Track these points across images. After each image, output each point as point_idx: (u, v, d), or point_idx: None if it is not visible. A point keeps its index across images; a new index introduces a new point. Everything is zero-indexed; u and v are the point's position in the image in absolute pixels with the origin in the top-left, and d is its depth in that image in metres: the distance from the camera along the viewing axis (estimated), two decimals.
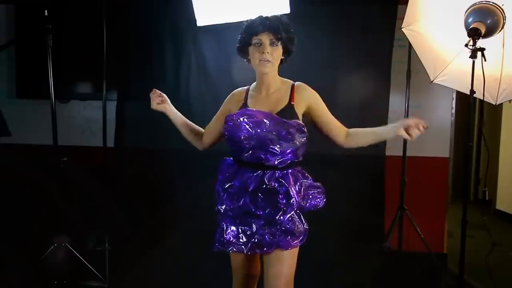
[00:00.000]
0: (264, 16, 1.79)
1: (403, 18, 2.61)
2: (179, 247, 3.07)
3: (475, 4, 2.25)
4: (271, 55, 1.76)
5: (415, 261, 3.20)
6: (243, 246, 1.77)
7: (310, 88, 1.85)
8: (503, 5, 2.23)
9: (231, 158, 1.87)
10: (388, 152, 3.32)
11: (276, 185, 1.74)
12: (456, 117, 3.45)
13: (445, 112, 3.45)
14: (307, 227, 1.79)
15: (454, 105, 3.43)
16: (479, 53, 2.13)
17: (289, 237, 1.73)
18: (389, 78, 3.28)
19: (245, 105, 1.84)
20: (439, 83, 2.65)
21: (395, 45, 3.25)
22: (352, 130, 1.86)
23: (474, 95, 2.30)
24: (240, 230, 1.78)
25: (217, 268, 2.30)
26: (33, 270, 2.77)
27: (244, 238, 1.77)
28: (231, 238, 1.78)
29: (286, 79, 1.88)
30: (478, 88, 2.25)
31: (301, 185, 1.79)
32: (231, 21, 2.74)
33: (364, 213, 3.17)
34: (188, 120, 2.03)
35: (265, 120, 1.72)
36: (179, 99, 3.38)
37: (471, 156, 4.97)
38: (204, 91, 3.35)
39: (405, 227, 3.22)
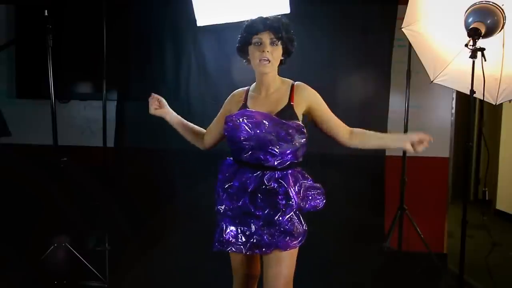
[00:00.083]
0: (264, 16, 1.79)
1: (403, 18, 2.61)
2: (179, 247, 3.07)
3: (475, 4, 2.25)
4: (271, 54, 1.76)
5: (415, 261, 3.20)
6: (242, 246, 1.77)
7: (309, 88, 1.84)
8: (503, 5, 2.22)
9: (231, 158, 1.87)
10: (388, 152, 3.32)
11: (276, 185, 1.73)
12: (456, 117, 3.45)
13: (445, 112, 3.45)
14: (306, 228, 1.79)
15: (454, 105, 3.43)
16: (479, 53, 2.13)
17: (288, 237, 1.73)
18: (389, 78, 3.28)
19: (245, 105, 1.84)
20: (439, 83, 2.65)
21: (395, 45, 3.25)
22: (357, 129, 1.85)
23: (474, 95, 2.30)
24: (239, 230, 1.79)
25: (217, 268, 2.30)
26: (33, 270, 2.77)
27: (243, 238, 1.77)
28: (230, 238, 1.79)
29: (286, 79, 1.88)
30: (478, 88, 2.24)
31: (300, 186, 1.79)
32: (231, 21, 2.74)
33: (364, 213, 3.17)
34: (186, 122, 2.04)
35: (264, 121, 1.72)
36: (179, 99, 3.39)
37: (471, 156, 4.97)
38: (204, 91, 3.35)
39: (405, 227, 3.22)
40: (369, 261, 3.03)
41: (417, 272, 3.12)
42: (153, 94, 2.00)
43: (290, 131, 1.71)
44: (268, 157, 1.73)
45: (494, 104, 2.54)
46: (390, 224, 3.21)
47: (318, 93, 1.85)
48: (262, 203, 1.75)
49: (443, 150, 3.46)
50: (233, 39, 1.88)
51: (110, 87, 3.16)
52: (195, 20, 2.89)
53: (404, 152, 3.19)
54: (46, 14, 2.69)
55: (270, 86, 1.83)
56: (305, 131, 1.75)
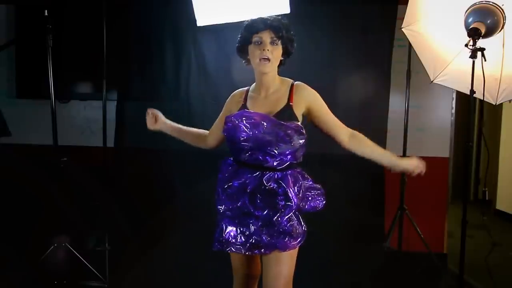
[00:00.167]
0: (264, 16, 1.79)
1: (403, 18, 2.60)
2: (179, 247, 3.07)
3: (475, 4, 2.25)
4: (271, 53, 1.75)
5: (415, 261, 3.20)
6: (241, 247, 1.77)
7: (309, 88, 1.84)
8: (503, 5, 2.22)
9: (232, 158, 1.87)
10: None
11: (275, 186, 1.73)
12: (456, 117, 3.45)
13: (445, 112, 3.45)
14: (305, 229, 1.79)
15: (454, 105, 3.43)
16: (479, 53, 2.13)
17: (287, 238, 1.73)
18: (389, 78, 3.28)
19: (244, 106, 1.84)
20: (439, 83, 2.65)
21: (395, 45, 3.25)
22: (359, 134, 1.85)
23: (474, 95, 2.30)
24: (238, 231, 1.78)
25: (218, 268, 2.30)
26: (33, 270, 2.77)
27: (242, 239, 1.77)
28: (230, 238, 1.78)
29: (285, 79, 1.88)
30: (478, 88, 2.24)
31: (300, 187, 1.78)
32: (231, 21, 2.74)
33: (364, 213, 3.17)
34: (183, 127, 2.04)
35: (263, 122, 1.71)
36: (179, 99, 3.39)
37: (471, 156, 4.97)
38: (204, 91, 3.34)
39: (405, 227, 3.22)
40: (369, 261, 3.03)
41: (417, 272, 3.12)
42: (148, 110, 2.03)
43: (289, 132, 1.70)
44: (267, 157, 1.73)
45: (494, 104, 2.53)
46: (390, 224, 3.21)
47: (318, 93, 1.84)
48: (262, 204, 1.74)
49: (443, 150, 3.46)
50: (233, 39, 1.88)
51: (110, 87, 3.16)
52: (195, 20, 2.89)
53: (404, 152, 3.19)
54: (46, 14, 2.69)
55: (269, 87, 1.83)
56: (304, 132, 1.74)
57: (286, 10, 2.68)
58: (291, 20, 1.83)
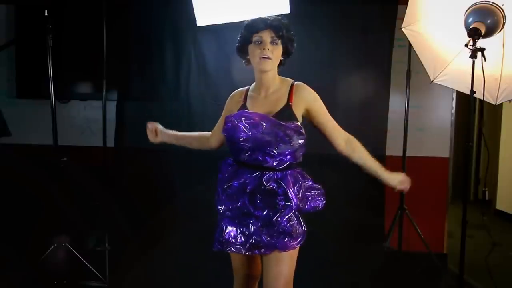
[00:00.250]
0: (264, 16, 1.79)
1: (403, 18, 2.60)
2: (179, 247, 3.07)
3: (475, 4, 2.25)
4: (272, 52, 1.75)
5: (415, 261, 3.20)
6: (241, 247, 1.77)
7: (309, 88, 1.83)
8: (503, 5, 2.22)
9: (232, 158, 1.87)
10: (388, 152, 3.32)
11: (275, 186, 1.73)
12: (456, 117, 3.45)
13: (445, 112, 3.45)
14: (305, 229, 1.79)
15: (454, 105, 3.43)
16: (479, 53, 2.13)
17: (287, 238, 1.73)
18: (389, 78, 3.28)
19: (244, 106, 1.84)
20: (439, 83, 2.65)
21: (395, 45, 3.25)
22: (354, 141, 1.84)
23: (474, 95, 2.30)
24: (238, 231, 1.78)
25: (218, 268, 2.30)
26: (33, 270, 2.77)
27: (242, 239, 1.77)
28: (230, 239, 1.78)
29: (286, 78, 1.87)
30: (478, 88, 2.24)
31: (300, 187, 1.78)
32: (231, 21, 2.74)
33: (364, 213, 3.17)
34: (186, 133, 2.05)
35: (262, 122, 1.71)
36: (179, 99, 3.39)
37: (471, 156, 4.97)
38: (204, 91, 3.35)
39: (405, 227, 3.23)
40: (369, 261, 3.03)
41: (417, 272, 3.12)
42: (148, 124, 2.04)
43: (288, 132, 1.70)
44: (266, 158, 1.72)
45: (494, 104, 2.53)
46: (390, 224, 3.21)
47: (318, 93, 1.84)
48: (261, 204, 1.74)
49: (443, 150, 3.46)
50: (233, 39, 1.88)
51: (110, 87, 3.16)
52: (195, 20, 2.89)
53: (404, 152, 3.19)
54: (46, 14, 2.69)
55: (269, 86, 1.83)
56: (303, 132, 1.74)
57: (286, 10, 2.68)
58: (291, 20, 1.83)
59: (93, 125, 3.59)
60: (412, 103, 3.21)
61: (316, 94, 1.83)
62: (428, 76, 2.65)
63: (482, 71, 2.18)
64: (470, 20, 2.20)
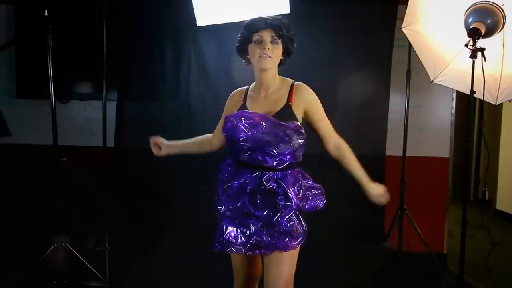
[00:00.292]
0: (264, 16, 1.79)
1: (403, 18, 2.60)
2: (179, 247, 3.07)
3: (475, 4, 2.25)
4: (272, 52, 1.75)
5: (415, 261, 3.20)
6: (241, 247, 1.77)
7: (309, 89, 1.84)
8: (503, 5, 2.22)
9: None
10: (388, 152, 3.32)
11: (275, 186, 1.73)
12: (456, 117, 3.45)
13: (445, 112, 3.45)
14: (306, 228, 1.79)
15: (454, 105, 3.43)
16: (479, 53, 2.13)
17: (287, 238, 1.73)
18: (389, 78, 3.28)
19: (244, 106, 1.84)
20: (439, 83, 2.65)
21: (395, 45, 3.25)
22: (344, 147, 1.85)
23: (474, 95, 2.30)
24: (239, 231, 1.78)
25: (218, 269, 2.30)
26: (33, 270, 2.77)
27: (242, 239, 1.77)
28: (230, 239, 1.78)
29: (286, 78, 1.88)
30: (478, 88, 2.24)
31: (300, 186, 1.78)
32: (231, 21, 2.74)
33: (364, 213, 3.16)
34: (188, 141, 2.04)
35: (262, 122, 1.71)
36: (179, 99, 3.39)
37: (471, 156, 4.97)
38: (204, 91, 3.34)
39: (405, 227, 3.22)
40: (369, 261, 3.03)
41: (417, 272, 3.12)
42: (150, 139, 2.03)
43: (288, 132, 1.70)
44: (266, 158, 1.72)
45: (494, 104, 2.53)
46: (390, 224, 3.21)
47: (318, 93, 1.84)
48: (262, 204, 1.74)
49: (443, 150, 3.46)
50: (233, 39, 1.88)
51: (110, 87, 3.16)
52: (195, 20, 2.89)
53: (404, 152, 3.19)
54: (46, 14, 2.69)
55: (269, 86, 1.83)
56: (303, 131, 1.75)
57: (286, 10, 2.68)
58: (291, 20, 1.83)
59: (93, 125, 3.59)
60: (412, 103, 3.21)
61: (316, 97, 1.84)
62: (428, 76, 2.65)
63: (482, 71, 2.18)
64: (470, 20, 2.20)
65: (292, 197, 1.72)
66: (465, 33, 2.17)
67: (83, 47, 3.34)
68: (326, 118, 1.85)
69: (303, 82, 1.86)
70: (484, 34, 2.15)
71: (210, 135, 2.03)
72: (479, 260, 2.86)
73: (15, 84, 3.58)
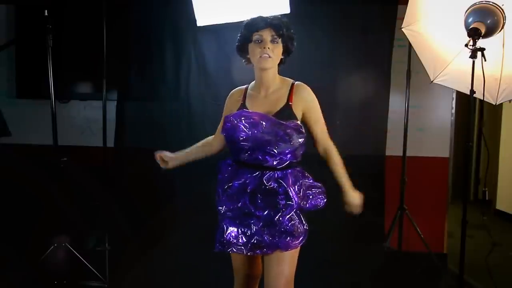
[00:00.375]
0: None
1: (403, 18, 2.60)
2: (179, 247, 3.07)
3: (475, 4, 2.25)
4: (272, 51, 1.75)
5: (415, 261, 3.20)
6: (242, 247, 1.77)
7: (309, 90, 1.84)
8: (503, 5, 2.22)
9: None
10: (388, 152, 3.32)
11: (275, 185, 1.73)
12: (456, 117, 3.45)
13: (445, 112, 3.45)
14: (307, 228, 1.79)
15: (454, 105, 3.43)
16: (479, 53, 2.13)
17: (288, 238, 1.73)
18: (389, 78, 3.28)
19: (243, 105, 1.84)
20: (439, 83, 2.65)
21: (395, 45, 3.25)
22: (331, 152, 1.85)
23: (474, 95, 2.30)
24: (239, 231, 1.78)
25: (218, 269, 2.30)
26: (33, 270, 2.77)
27: (243, 239, 1.77)
28: (231, 239, 1.78)
29: (286, 78, 1.88)
30: (478, 88, 2.24)
31: (301, 185, 1.78)
32: (231, 21, 2.74)
33: (364, 213, 3.16)
34: (191, 148, 2.02)
35: (262, 122, 1.71)
36: (179, 99, 3.39)
37: (471, 156, 4.97)
38: (204, 91, 3.34)
39: (405, 227, 3.22)
40: (369, 261, 3.03)
41: (417, 272, 3.12)
42: (155, 154, 2.01)
43: (288, 131, 1.70)
44: (266, 157, 1.72)
45: (494, 104, 2.53)
46: (390, 224, 3.21)
47: (318, 93, 1.85)
48: (262, 204, 1.74)
49: (443, 150, 3.46)
50: (233, 39, 1.88)
51: (110, 87, 3.16)
52: (195, 20, 2.89)
53: (404, 152, 3.19)
54: (46, 14, 2.69)
55: (269, 86, 1.83)
56: (303, 130, 1.75)
57: (286, 10, 2.68)
58: (291, 20, 1.83)
59: (93, 125, 3.59)
60: (412, 103, 3.21)
61: (315, 99, 1.84)
62: (428, 76, 2.65)
63: (482, 71, 2.18)
64: (470, 20, 2.20)
65: (292, 196, 1.72)
66: (465, 33, 2.17)
67: (83, 47, 3.34)
68: (322, 120, 1.86)
69: (303, 82, 1.86)
70: (484, 34, 2.15)
71: (211, 137, 2.03)
72: (479, 260, 2.86)
73: (15, 84, 3.58)
